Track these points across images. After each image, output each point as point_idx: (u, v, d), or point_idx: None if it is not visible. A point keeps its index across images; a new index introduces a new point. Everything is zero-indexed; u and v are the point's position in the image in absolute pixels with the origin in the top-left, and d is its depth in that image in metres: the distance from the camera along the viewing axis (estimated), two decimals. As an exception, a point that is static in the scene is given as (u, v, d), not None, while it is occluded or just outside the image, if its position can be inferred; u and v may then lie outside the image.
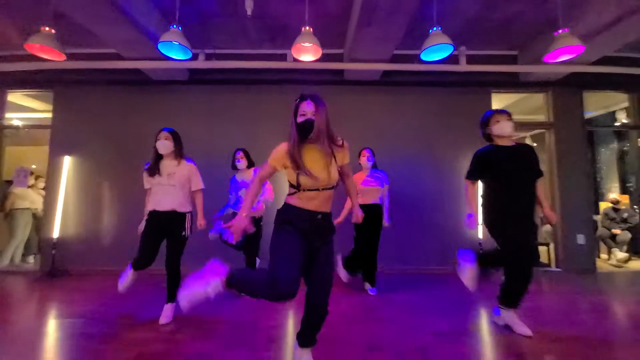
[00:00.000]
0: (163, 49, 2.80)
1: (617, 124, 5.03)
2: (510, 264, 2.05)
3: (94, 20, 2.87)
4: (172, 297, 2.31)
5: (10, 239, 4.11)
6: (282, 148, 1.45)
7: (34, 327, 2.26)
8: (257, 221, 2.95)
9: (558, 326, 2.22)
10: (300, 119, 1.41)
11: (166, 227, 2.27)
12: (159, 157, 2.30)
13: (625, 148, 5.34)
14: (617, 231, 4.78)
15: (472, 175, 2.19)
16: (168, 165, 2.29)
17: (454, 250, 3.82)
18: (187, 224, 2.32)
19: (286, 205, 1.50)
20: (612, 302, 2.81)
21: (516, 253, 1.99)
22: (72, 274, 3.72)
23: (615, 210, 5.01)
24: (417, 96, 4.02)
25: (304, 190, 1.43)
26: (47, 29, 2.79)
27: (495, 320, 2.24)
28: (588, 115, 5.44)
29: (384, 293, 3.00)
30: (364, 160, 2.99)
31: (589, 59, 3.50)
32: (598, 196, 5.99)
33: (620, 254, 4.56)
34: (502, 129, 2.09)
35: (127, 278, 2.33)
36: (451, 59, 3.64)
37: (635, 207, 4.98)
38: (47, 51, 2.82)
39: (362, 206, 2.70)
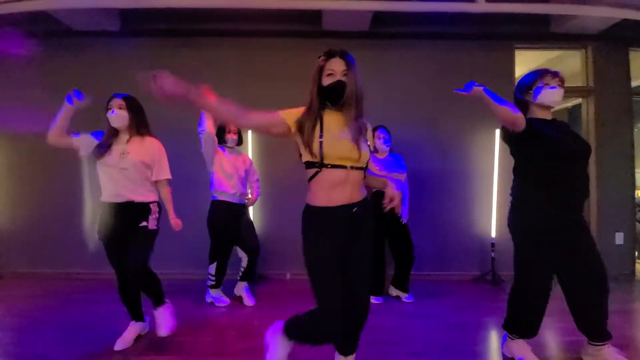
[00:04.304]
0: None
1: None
2: None
3: None
4: (158, 300, 1.82)
5: None
6: (301, 108, 1.25)
7: None
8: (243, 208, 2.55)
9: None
10: (327, 81, 1.20)
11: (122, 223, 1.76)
12: (114, 133, 1.77)
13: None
14: (654, 226, 4.03)
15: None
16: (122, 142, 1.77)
17: (451, 253, 3.05)
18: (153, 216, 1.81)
19: (309, 208, 1.24)
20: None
21: None
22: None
23: (653, 200, 4.23)
24: (417, 53, 3.11)
25: (327, 166, 1.17)
26: None
27: None
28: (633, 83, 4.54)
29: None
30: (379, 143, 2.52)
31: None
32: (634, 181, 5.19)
33: (658, 254, 3.81)
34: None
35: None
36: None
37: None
38: None
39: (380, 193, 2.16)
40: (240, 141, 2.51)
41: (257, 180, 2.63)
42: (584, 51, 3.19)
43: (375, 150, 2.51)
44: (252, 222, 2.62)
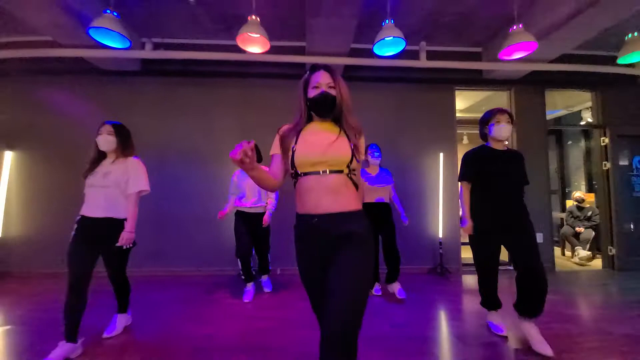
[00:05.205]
0: (94, 34, 2.60)
1: (582, 123, 5.07)
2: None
3: (18, 3, 2.61)
4: (122, 307, 2.12)
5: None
6: (283, 128, 1.23)
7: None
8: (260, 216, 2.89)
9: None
10: (312, 93, 1.17)
11: (98, 237, 1.88)
12: (101, 156, 1.95)
13: (589, 147, 5.40)
14: (580, 229, 4.81)
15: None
16: (106, 163, 1.94)
17: (410, 250, 3.65)
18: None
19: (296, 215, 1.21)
20: (564, 303, 2.80)
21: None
22: (14, 276, 3.50)
23: (580, 208, 5.05)
24: (379, 92, 3.91)
25: (301, 174, 1.13)
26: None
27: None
28: (556, 114, 5.51)
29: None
30: (370, 158, 2.92)
31: (549, 56, 3.47)
32: (565, 194, 6.08)
33: (583, 252, 4.61)
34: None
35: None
36: (412, 55, 3.57)
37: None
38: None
39: (371, 204, 2.83)
40: (259, 158, 2.85)
41: (274, 199, 2.90)
42: (509, 92, 4.08)
43: (367, 164, 2.94)
44: (267, 231, 2.94)
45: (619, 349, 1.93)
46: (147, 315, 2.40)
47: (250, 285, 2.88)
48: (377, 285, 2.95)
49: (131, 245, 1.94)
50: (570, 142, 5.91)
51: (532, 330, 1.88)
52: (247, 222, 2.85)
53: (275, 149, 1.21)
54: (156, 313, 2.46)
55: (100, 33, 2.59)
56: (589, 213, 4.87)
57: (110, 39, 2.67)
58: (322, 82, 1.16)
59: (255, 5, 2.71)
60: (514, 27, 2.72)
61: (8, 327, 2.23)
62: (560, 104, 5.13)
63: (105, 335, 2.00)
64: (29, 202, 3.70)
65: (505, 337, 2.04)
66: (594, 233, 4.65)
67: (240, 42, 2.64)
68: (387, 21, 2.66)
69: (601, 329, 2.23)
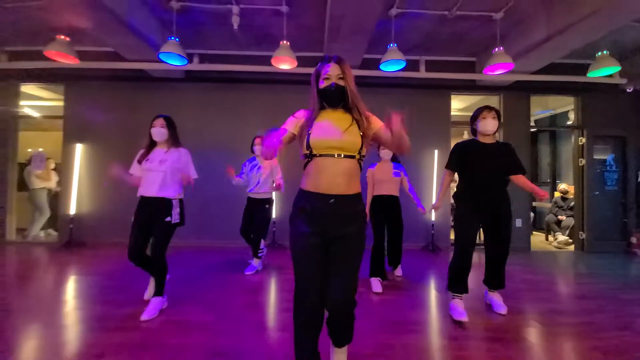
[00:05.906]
0: (163, 57, 3.32)
1: (569, 123, 5.61)
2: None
3: (98, 29, 3.28)
4: (159, 289, 2.15)
5: (40, 216, 4.74)
6: (299, 112, 1.32)
7: (59, 282, 2.94)
8: (265, 202, 3.15)
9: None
10: (323, 84, 1.26)
11: (152, 212, 2.11)
12: (152, 144, 2.20)
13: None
14: (562, 217, 5.44)
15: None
16: (161, 152, 2.17)
17: (407, 230, 4.33)
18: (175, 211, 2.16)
19: (299, 191, 1.29)
20: (530, 272, 3.50)
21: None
22: (87, 245, 4.36)
23: (564, 199, 5.66)
24: (385, 96, 4.52)
25: (316, 155, 1.21)
26: (62, 37, 3.30)
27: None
28: (548, 113, 6.05)
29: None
30: (384, 152, 2.94)
31: (532, 68, 4.04)
32: (556, 186, 6.66)
33: (561, 237, 5.25)
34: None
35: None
36: (414, 65, 4.19)
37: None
38: (63, 56, 3.34)
39: (380, 197, 2.84)
40: None
41: (280, 178, 3.14)
42: (499, 96, 4.67)
43: (380, 159, 2.94)
44: (264, 217, 3.13)
45: (557, 301, 2.64)
46: (198, 273, 3.21)
47: (255, 262, 3.21)
48: (378, 283, 2.81)
49: (178, 220, 2.16)
50: (560, 139, 6.45)
51: (495, 297, 2.33)
52: (249, 206, 3.22)
53: (290, 126, 1.29)
54: (204, 271, 3.25)
55: (165, 55, 3.30)
56: (572, 203, 5.46)
57: (172, 59, 3.39)
58: (331, 74, 1.24)
59: (286, 30, 3.38)
60: (496, 49, 3.32)
61: (100, 276, 3.05)
62: (551, 105, 5.68)
63: (143, 318, 2.02)
64: (95, 185, 4.54)
65: (461, 322, 2.12)
66: (574, 221, 5.26)
67: (274, 62, 3.32)
68: (391, 45, 3.30)
69: (550, 290, 2.94)
